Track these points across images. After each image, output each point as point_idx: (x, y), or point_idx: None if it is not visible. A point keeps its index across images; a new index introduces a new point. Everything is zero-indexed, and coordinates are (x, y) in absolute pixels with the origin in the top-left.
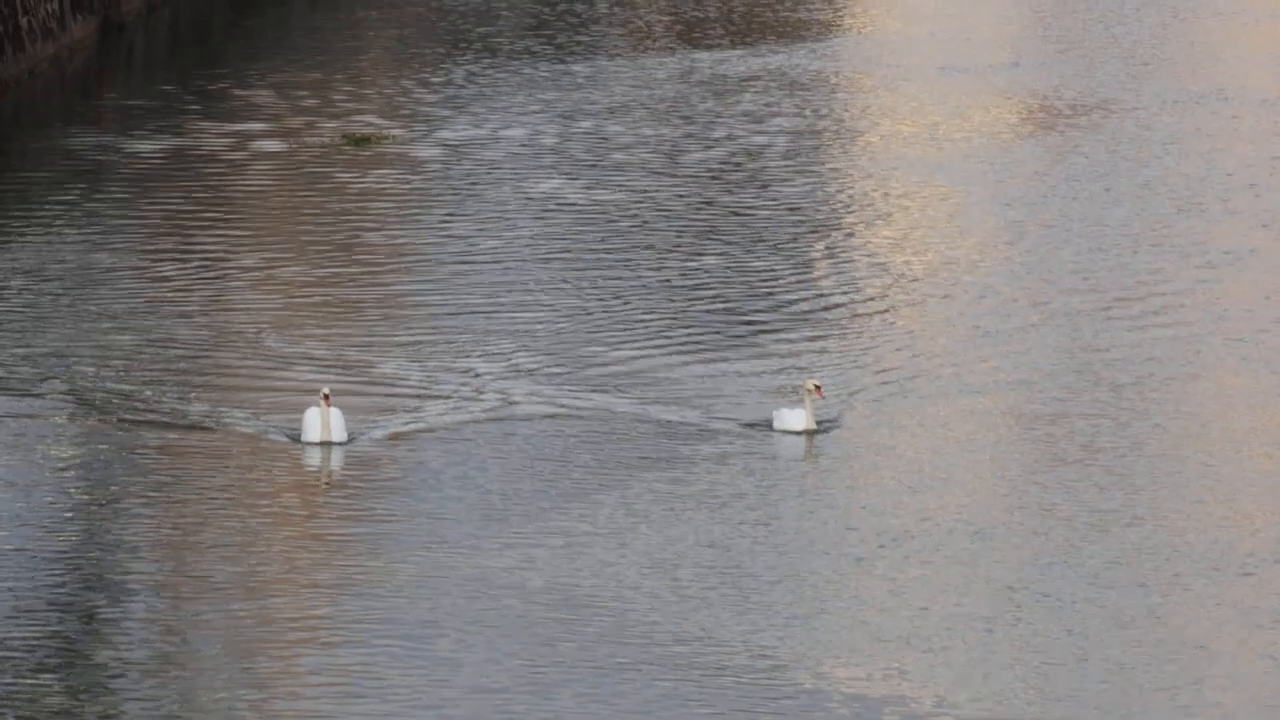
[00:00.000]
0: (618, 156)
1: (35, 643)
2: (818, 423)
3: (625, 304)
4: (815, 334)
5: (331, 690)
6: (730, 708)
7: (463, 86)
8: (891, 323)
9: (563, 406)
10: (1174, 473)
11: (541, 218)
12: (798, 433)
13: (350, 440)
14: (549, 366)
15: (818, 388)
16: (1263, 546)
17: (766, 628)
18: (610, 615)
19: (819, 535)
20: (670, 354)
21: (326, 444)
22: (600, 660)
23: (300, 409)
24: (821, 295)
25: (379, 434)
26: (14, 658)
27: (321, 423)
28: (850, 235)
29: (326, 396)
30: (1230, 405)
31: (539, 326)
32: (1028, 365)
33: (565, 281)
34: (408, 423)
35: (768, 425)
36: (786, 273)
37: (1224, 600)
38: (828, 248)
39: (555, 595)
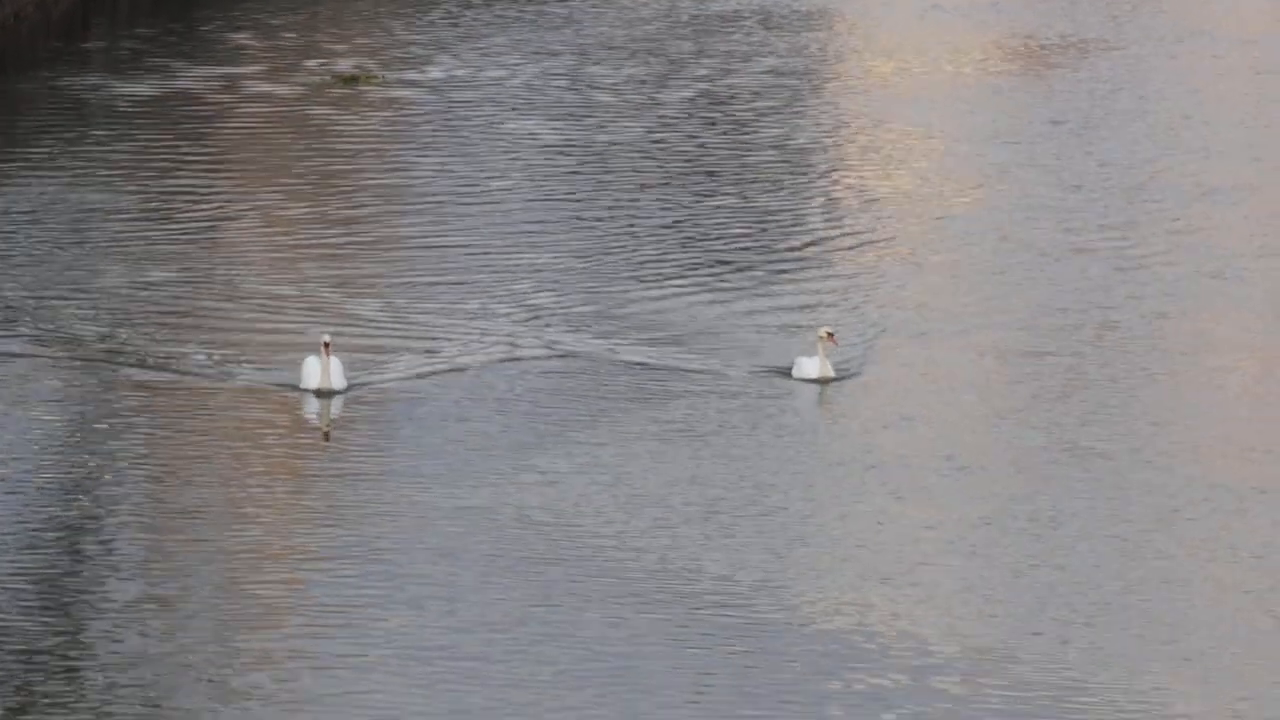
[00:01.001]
0: (604, 98)
1: (30, 582)
2: (835, 370)
3: (627, 246)
4: (820, 275)
5: (325, 627)
6: (713, 642)
7: (449, 27)
8: (891, 263)
9: (569, 351)
10: (1167, 408)
11: (535, 159)
12: (813, 380)
13: (349, 388)
14: (553, 310)
15: (830, 335)
16: (1249, 482)
17: (751, 562)
18: (607, 552)
19: (816, 476)
20: (675, 297)
21: (326, 391)
22: (589, 593)
23: (297, 356)
24: (819, 236)
25: (378, 381)
26: (2, 597)
27: (321, 370)
28: (841, 175)
29: (327, 345)
30: (1221, 341)
31: (540, 269)
32: (1029, 306)
33: (563, 224)
34: (408, 369)
35: (786, 373)
36: (782, 214)
37: (1208, 536)
38: (819, 189)
39: (549, 535)
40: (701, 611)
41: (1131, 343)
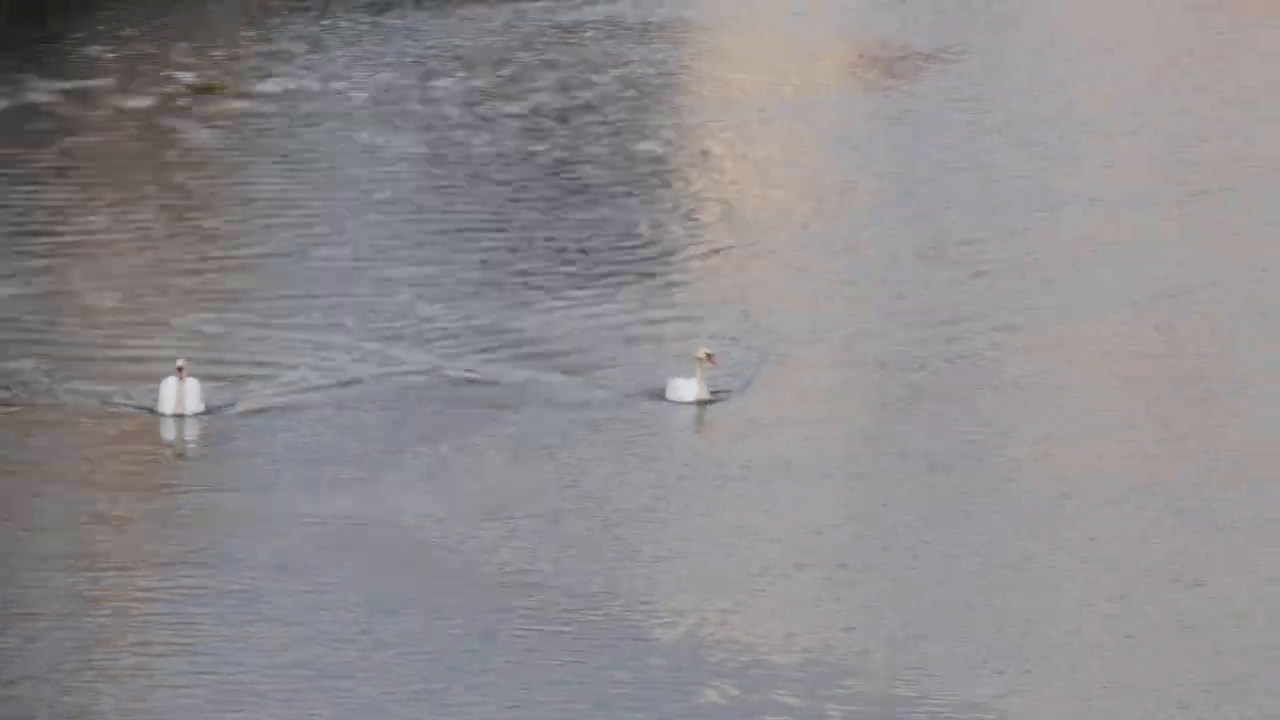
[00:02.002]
0: (452, 110)
1: None
2: (711, 392)
3: (489, 261)
4: (688, 289)
5: (172, 642)
6: (555, 652)
7: (297, 39)
8: (757, 276)
9: (431, 369)
10: (1019, 417)
11: (389, 172)
12: (689, 402)
13: (207, 410)
14: (415, 327)
15: (709, 356)
16: (1099, 493)
17: (597, 575)
18: (451, 564)
19: (673, 491)
20: (541, 312)
21: (181, 415)
22: (432, 604)
23: (156, 378)
24: (683, 249)
25: (237, 402)
26: None
27: (176, 394)
28: (699, 187)
29: (180, 368)
30: (1073, 349)
31: (401, 285)
32: (893, 317)
33: (422, 238)
34: (268, 389)
35: (660, 395)
36: (644, 226)
37: (1058, 545)
38: (678, 200)
39: (396, 548)
40: (543, 622)
41: (986, 351)
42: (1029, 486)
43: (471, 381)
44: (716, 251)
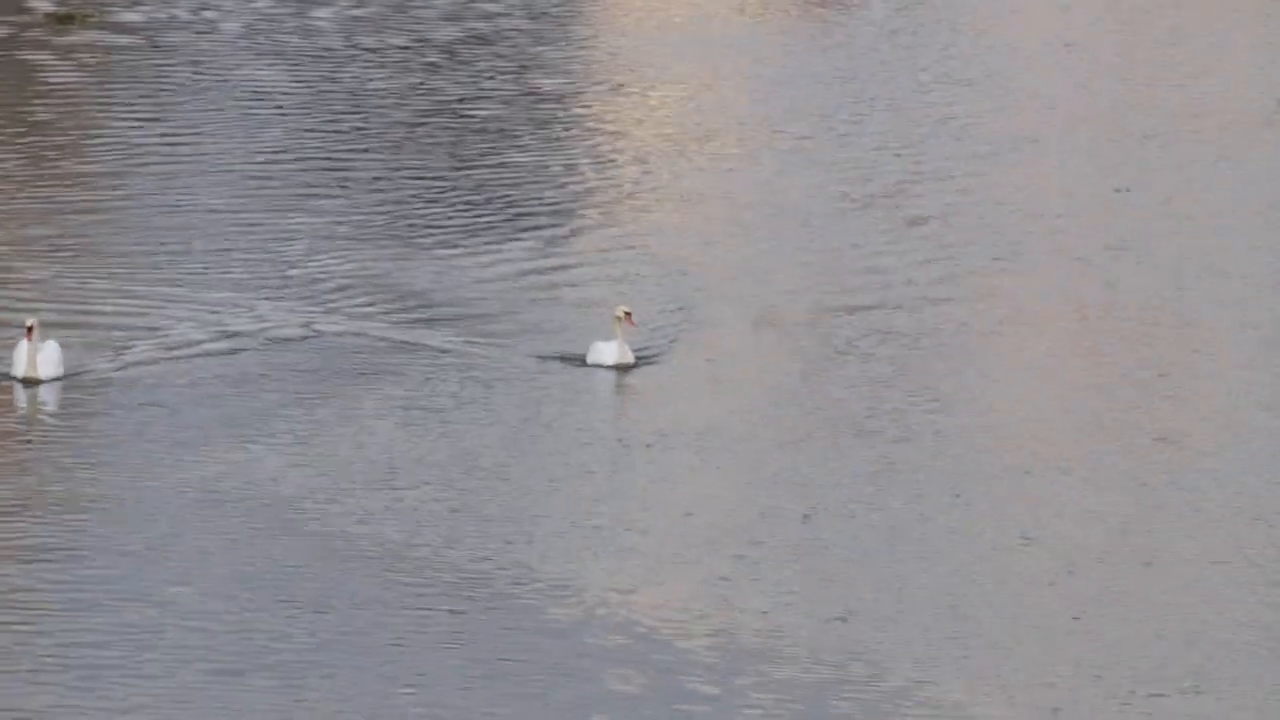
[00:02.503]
0: (333, 42)
1: None
2: (635, 354)
3: (386, 209)
4: (605, 241)
5: (36, 615)
6: (451, 628)
7: None
8: (677, 227)
9: (322, 329)
10: (964, 374)
11: (269, 110)
12: (610, 366)
13: (67, 375)
14: (301, 281)
15: (628, 315)
16: (1040, 463)
17: (498, 548)
18: (339, 533)
19: (582, 455)
20: (447, 268)
21: (33, 380)
22: (317, 575)
23: (10, 339)
24: (597, 196)
25: (101, 365)
26: None
27: (27, 357)
28: (610, 128)
29: (30, 329)
30: (1010, 309)
31: (287, 235)
32: (823, 274)
33: (310, 182)
34: (137, 350)
35: (580, 359)
36: (555, 171)
37: (995, 519)
38: (587, 142)
39: (286, 517)
40: (430, 601)
41: (923, 307)
42: (967, 455)
43: (362, 340)
44: (632, 196)
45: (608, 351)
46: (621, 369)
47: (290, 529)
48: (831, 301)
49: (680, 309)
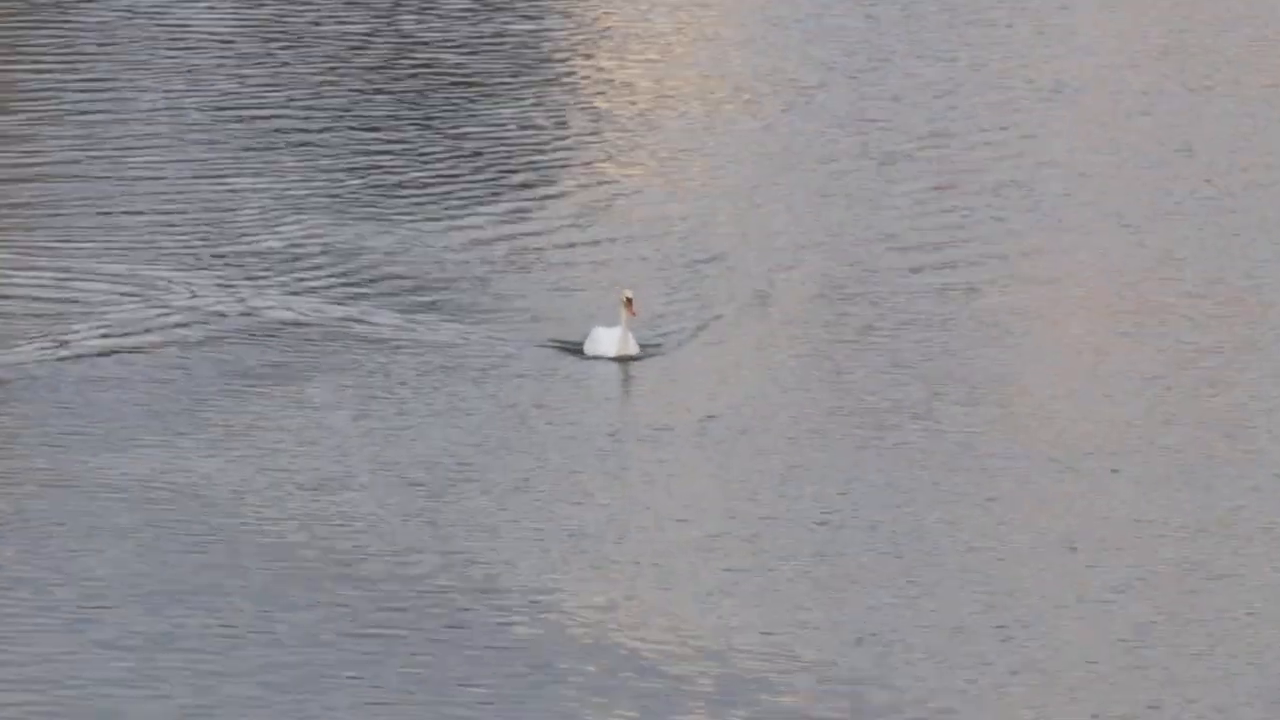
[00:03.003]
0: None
1: None
2: (640, 345)
3: (350, 173)
4: (603, 215)
5: None
6: (403, 633)
7: None
8: (683, 198)
9: (274, 310)
10: (997, 358)
11: (208, 57)
12: (612, 358)
13: None
14: (252, 255)
15: (629, 302)
16: (1092, 452)
17: (460, 554)
18: (298, 544)
19: (569, 454)
20: (421, 244)
21: None
22: (265, 591)
23: None
24: (593, 163)
25: (14, 351)
26: None
27: None
28: (607, 84)
29: None
30: (1061, 278)
31: (236, 203)
32: (847, 242)
33: (259, 142)
34: (68, 334)
35: (577, 349)
36: (543, 133)
37: (1044, 517)
38: (580, 100)
39: (218, 523)
40: (383, 615)
41: (953, 283)
42: (1002, 452)
43: (314, 322)
44: (623, 156)
45: (608, 340)
46: (624, 360)
47: (223, 536)
48: (849, 276)
49: (682, 288)
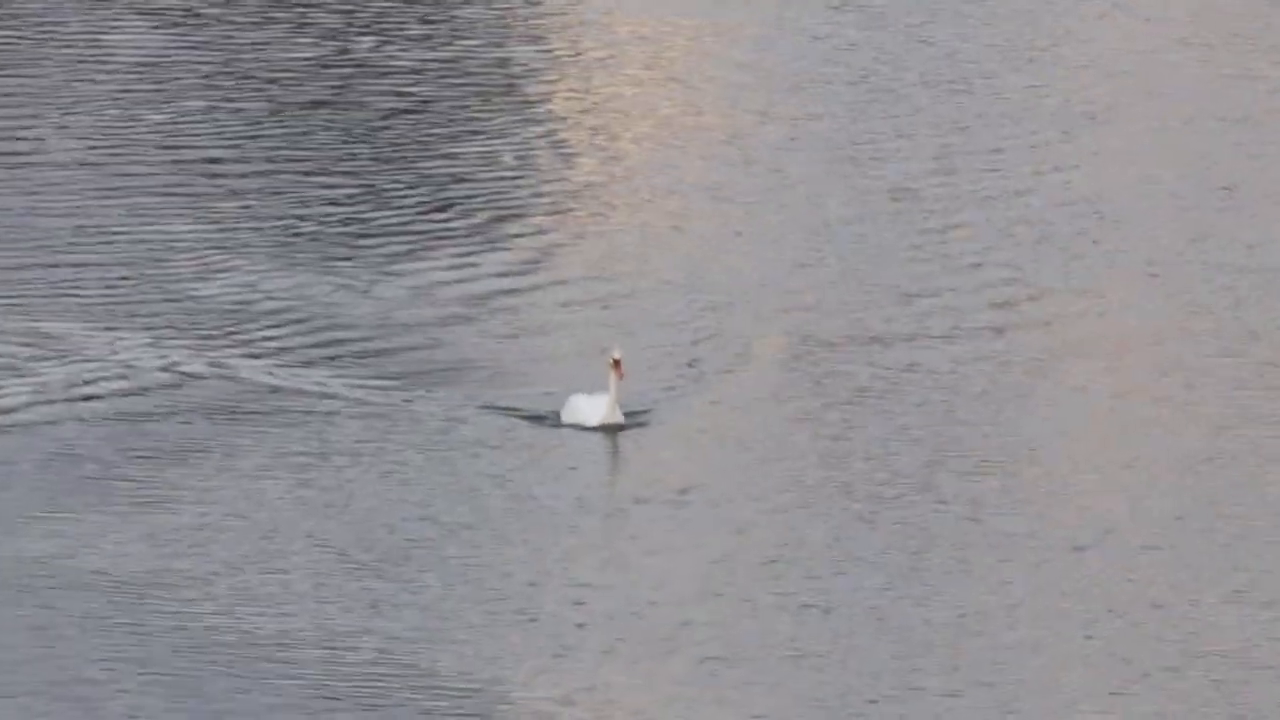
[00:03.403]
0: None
1: None
2: (624, 414)
3: (285, 214)
4: (575, 264)
5: None
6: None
7: None
8: (672, 240)
9: (203, 371)
10: (1020, 419)
11: (132, 82)
12: (593, 428)
13: None
14: (180, 310)
15: (617, 364)
16: (1120, 534)
17: (387, 640)
18: (214, 629)
19: (527, 528)
20: (351, 283)
21: None
22: (175, 682)
23: None
24: (561, 201)
25: None
26: None
27: None
28: (581, 101)
29: None
30: (1091, 330)
31: (152, 250)
32: (842, 292)
33: (189, 181)
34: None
35: (553, 418)
36: (507, 169)
37: (1056, 610)
38: (547, 131)
39: (130, 604)
40: (323, 706)
41: (971, 332)
42: (1017, 530)
43: (246, 382)
44: (600, 194)
45: (591, 408)
46: (609, 430)
47: (131, 623)
48: (846, 330)
49: (669, 345)
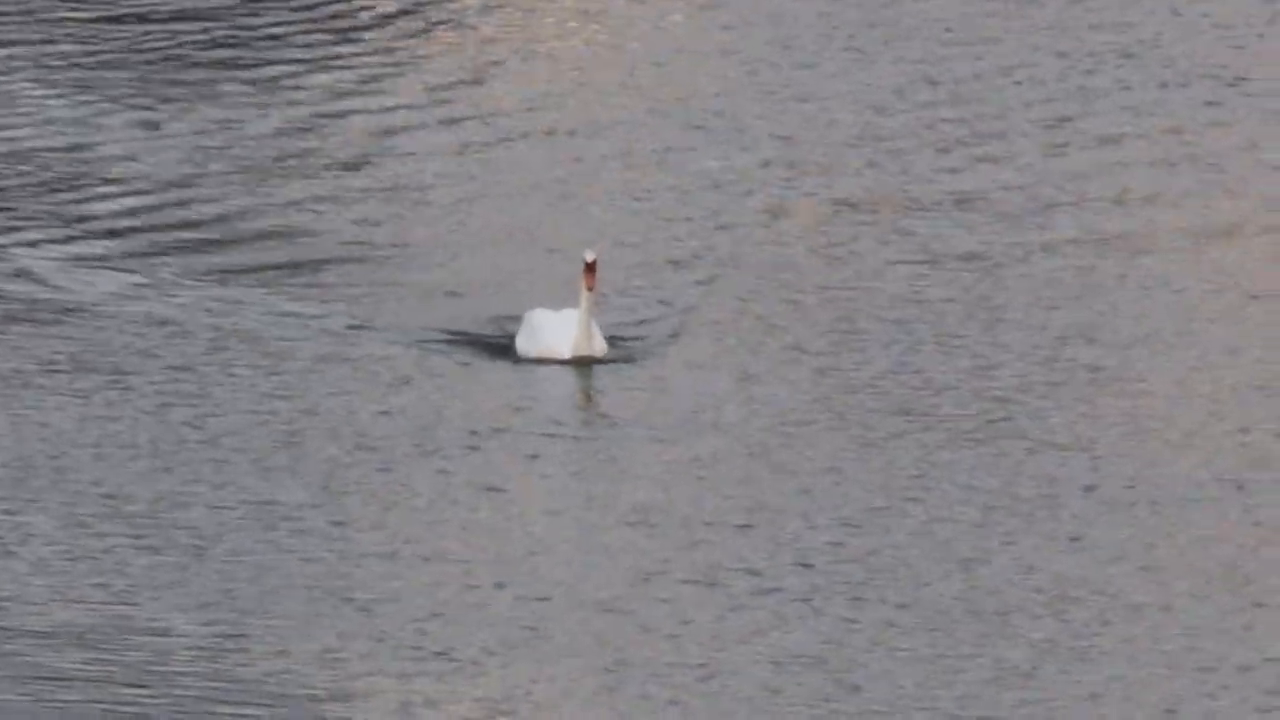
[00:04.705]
0: None
1: None
2: (608, 339)
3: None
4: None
5: None
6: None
7: None
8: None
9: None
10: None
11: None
12: (566, 360)
13: None
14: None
15: (590, 268)
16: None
17: (226, 624)
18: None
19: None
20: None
21: None
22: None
23: None
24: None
25: None
26: None
27: None
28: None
29: None
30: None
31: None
32: (862, 251)
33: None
34: None
35: (505, 348)
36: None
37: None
38: (438, 101)
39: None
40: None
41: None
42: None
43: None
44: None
45: (556, 332)
46: (579, 363)
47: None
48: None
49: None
